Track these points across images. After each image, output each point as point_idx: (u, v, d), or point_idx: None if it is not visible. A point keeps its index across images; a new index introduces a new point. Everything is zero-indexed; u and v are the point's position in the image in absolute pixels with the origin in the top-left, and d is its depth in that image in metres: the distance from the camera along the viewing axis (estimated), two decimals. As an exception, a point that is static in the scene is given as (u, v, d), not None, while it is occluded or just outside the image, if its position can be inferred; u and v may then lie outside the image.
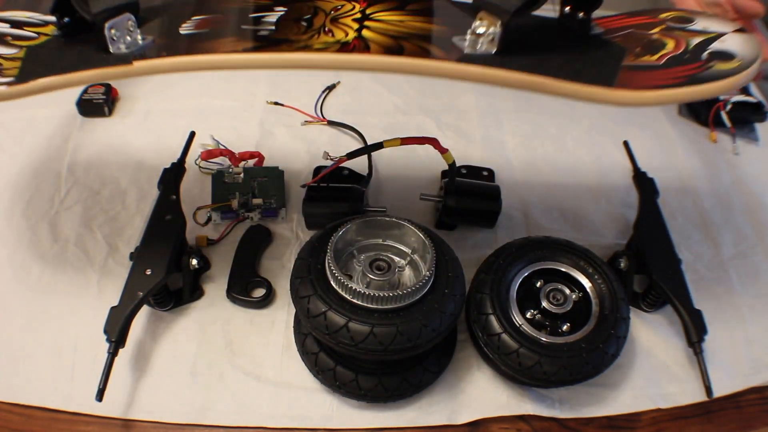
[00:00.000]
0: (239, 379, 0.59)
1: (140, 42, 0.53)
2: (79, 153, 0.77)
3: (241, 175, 0.72)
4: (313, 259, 0.53)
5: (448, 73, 0.46)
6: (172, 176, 0.67)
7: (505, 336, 0.54)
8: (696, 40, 0.53)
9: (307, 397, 0.58)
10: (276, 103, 0.86)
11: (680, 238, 0.66)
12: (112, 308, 0.56)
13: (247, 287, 0.64)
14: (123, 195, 0.73)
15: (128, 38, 0.52)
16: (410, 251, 0.57)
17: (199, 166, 0.75)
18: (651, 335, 0.64)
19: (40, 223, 0.70)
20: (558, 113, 0.88)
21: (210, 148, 0.76)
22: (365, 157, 0.74)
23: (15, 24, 0.61)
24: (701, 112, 0.87)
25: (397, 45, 0.48)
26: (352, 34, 0.50)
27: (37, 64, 0.53)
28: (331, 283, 0.51)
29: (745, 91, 0.90)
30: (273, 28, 0.52)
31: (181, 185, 0.68)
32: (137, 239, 0.61)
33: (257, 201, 0.71)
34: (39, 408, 0.56)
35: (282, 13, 0.54)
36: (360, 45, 0.48)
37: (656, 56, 0.51)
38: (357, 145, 0.81)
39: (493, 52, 0.47)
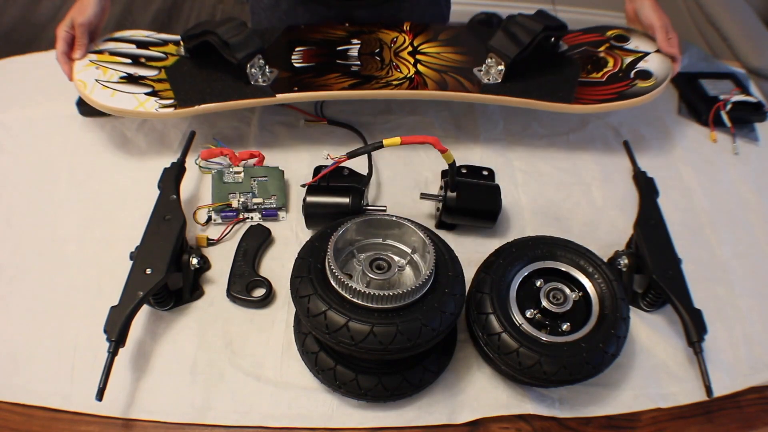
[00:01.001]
0: (239, 378, 0.59)
1: (269, 74, 0.74)
2: (79, 153, 0.77)
3: (241, 174, 0.72)
4: (313, 259, 0.53)
5: (475, 100, 0.75)
6: (172, 176, 0.68)
7: (505, 335, 0.54)
8: (628, 59, 0.80)
9: (307, 397, 0.58)
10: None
11: (680, 238, 0.66)
12: (112, 308, 0.56)
13: (247, 287, 0.64)
14: (123, 194, 0.73)
15: (262, 72, 0.73)
16: (410, 250, 0.57)
17: (199, 166, 0.75)
18: (651, 335, 0.64)
19: (40, 222, 0.70)
20: (558, 113, 0.87)
21: (210, 147, 0.76)
22: (365, 156, 0.74)
23: (139, 44, 0.79)
24: (701, 112, 0.87)
25: (442, 78, 0.75)
26: (412, 70, 0.76)
27: (186, 89, 0.72)
28: (331, 282, 0.51)
29: (745, 90, 0.90)
30: (359, 62, 0.77)
31: (181, 185, 0.68)
32: (137, 239, 0.61)
33: (257, 201, 0.71)
34: (39, 408, 0.56)
35: (358, 46, 0.80)
36: (420, 80, 0.75)
37: (600, 73, 0.78)
38: (357, 144, 0.81)
39: (500, 81, 0.75)
